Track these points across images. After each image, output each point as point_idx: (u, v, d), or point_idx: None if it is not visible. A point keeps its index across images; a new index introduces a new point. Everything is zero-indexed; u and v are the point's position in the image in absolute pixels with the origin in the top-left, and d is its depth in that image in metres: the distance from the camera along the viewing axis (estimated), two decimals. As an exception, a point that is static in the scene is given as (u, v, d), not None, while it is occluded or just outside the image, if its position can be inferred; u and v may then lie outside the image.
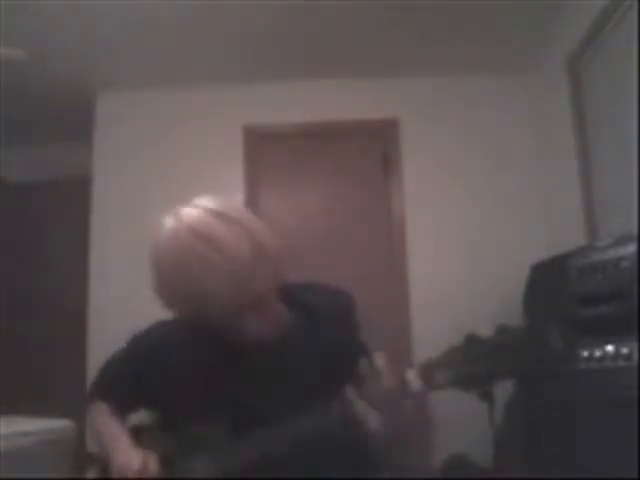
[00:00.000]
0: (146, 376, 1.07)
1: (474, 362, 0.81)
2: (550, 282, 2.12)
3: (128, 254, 3.06)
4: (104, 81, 3.14)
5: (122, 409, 1.11)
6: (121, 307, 2.98)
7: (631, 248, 1.63)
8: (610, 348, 1.46)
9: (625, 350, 1.48)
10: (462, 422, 2.36)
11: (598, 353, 1.57)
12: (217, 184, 2.85)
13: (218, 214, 0.92)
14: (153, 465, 0.96)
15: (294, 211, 3.09)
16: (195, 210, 0.94)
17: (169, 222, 0.94)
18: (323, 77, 3.12)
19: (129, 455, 0.98)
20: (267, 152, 3.14)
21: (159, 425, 1.07)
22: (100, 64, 2.96)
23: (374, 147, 3.15)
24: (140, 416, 1.12)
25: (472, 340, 0.83)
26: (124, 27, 2.60)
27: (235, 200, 1.09)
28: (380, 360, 0.87)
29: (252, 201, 3.02)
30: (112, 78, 3.11)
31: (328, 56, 2.95)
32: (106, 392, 1.14)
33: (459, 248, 2.99)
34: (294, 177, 3.12)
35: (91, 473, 2.13)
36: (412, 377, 0.83)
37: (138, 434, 1.07)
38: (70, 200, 3.40)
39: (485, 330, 0.84)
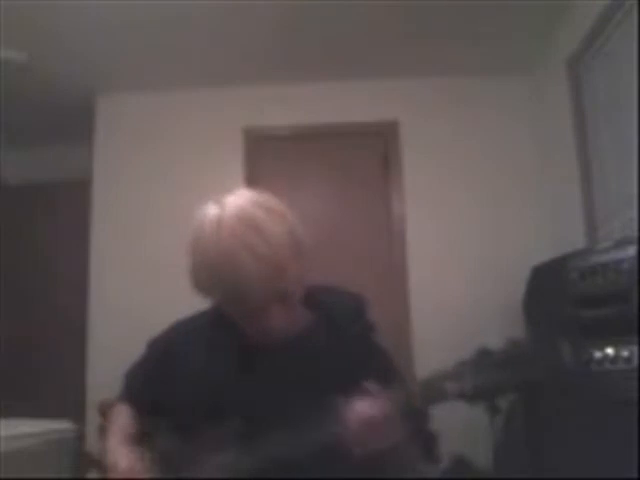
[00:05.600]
0: (163, 377, 1.08)
1: (482, 375, 0.81)
2: (551, 284, 2.12)
3: (128, 255, 3.07)
4: (104, 81, 3.14)
5: (141, 411, 1.12)
6: (121, 308, 2.99)
7: (631, 250, 1.63)
8: (610, 351, 1.46)
9: (625, 353, 1.47)
10: (462, 423, 2.36)
11: (598, 355, 1.57)
12: (217, 185, 2.84)
13: (261, 204, 0.95)
14: (142, 465, 0.96)
15: (294, 212, 3.07)
16: (238, 199, 0.96)
17: (212, 209, 0.95)
18: (323, 78, 3.11)
19: (119, 454, 0.99)
20: (267, 154, 3.14)
21: (174, 427, 1.07)
22: (100, 64, 2.96)
23: (374, 148, 3.14)
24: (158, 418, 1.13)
25: (483, 353, 0.83)
26: (124, 27, 2.60)
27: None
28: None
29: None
30: (112, 78, 3.11)
31: (328, 57, 2.95)
32: (126, 395, 1.16)
33: (459, 248, 2.99)
34: (294, 179, 3.11)
35: (91, 473, 2.13)
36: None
37: (152, 436, 1.07)
38: (70, 201, 3.41)
39: (496, 344, 0.84)
